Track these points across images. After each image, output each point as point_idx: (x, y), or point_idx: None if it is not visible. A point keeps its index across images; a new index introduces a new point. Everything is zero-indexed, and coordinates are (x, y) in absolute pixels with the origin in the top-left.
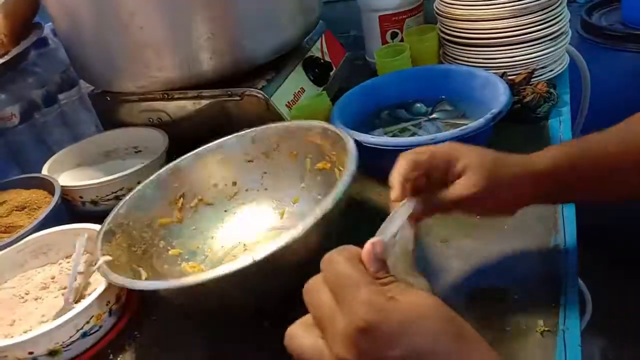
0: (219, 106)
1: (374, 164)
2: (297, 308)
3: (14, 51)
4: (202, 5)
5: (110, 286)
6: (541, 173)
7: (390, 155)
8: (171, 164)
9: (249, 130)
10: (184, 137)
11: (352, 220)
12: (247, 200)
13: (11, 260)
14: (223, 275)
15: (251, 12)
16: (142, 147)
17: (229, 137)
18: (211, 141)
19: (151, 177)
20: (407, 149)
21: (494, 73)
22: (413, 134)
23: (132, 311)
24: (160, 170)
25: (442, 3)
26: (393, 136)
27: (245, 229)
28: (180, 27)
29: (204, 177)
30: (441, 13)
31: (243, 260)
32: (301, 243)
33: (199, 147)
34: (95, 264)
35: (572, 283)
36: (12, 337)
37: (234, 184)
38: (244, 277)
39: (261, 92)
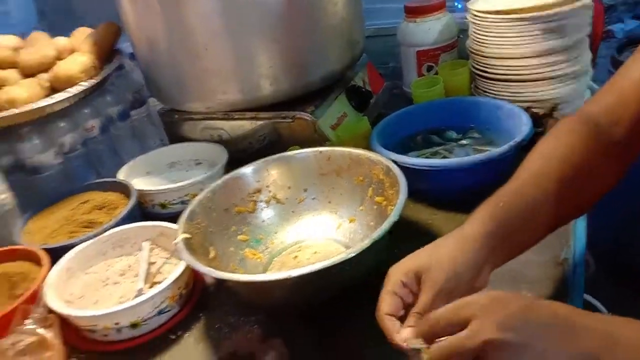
0: (272, 126)
1: (409, 183)
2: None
3: (102, 74)
4: (266, 41)
5: (182, 274)
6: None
7: (423, 175)
8: (258, 161)
9: (328, 148)
10: (240, 152)
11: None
12: (312, 208)
13: (95, 250)
14: (285, 278)
15: (307, 47)
16: (203, 160)
17: (311, 150)
18: (264, 156)
19: (238, 170)
20: (438, 170)
21: (520, 106)
22: (444, 157)
23: (195, 297)
24: (245, 166)
25: (475, 42)
26: (426, 158)
27: (304, 231)
28: (245, 59)
29: (281, 179)
30: (473, 50)
31: (307, 268)
32: (353, 261)
33: (251, 160)
34: (175, 241)
35: (578, 294)
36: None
37: (305, 190)
38: (302, 281)
39: (310, 115)
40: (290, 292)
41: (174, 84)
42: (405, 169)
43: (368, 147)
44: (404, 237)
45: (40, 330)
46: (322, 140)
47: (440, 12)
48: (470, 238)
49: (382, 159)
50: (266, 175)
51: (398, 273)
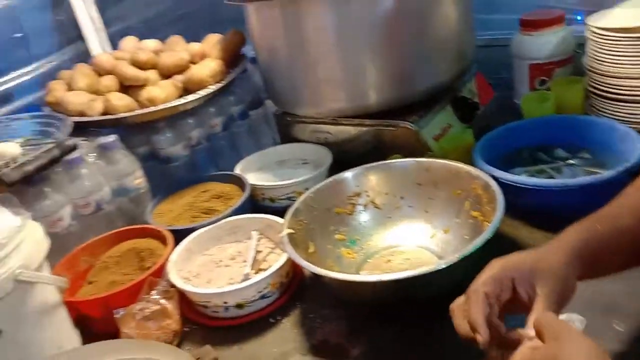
0: (375, 133)
1: (510, 199)
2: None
3: (229, 77)
4: (374, 53)
5: (284, 264)
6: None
7: (526, 192)
8: (358, 167)
9: (428, 160)
10: (343, 154)
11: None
12: (408, 215)
13: (212, 234)
14: (376, 281)
15: (414, 59)
16: (309, 160)
17: (411, 160)
18: (366, 161)
19: (340, 174)
20: (543, 189)
21: (636, 128)
22: (550, 176)
23: (294, 286)
24: (347, 171)
25: (592, 59)
26: (531, 176)
27: (398, 237)
28: (355, 69)
29: (380, 185)
30: (590, 68)
31: (398, 274)
32: (443, 272)
33: (357, 164)
34: (281, 234)
35: None
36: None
37: (402, 198)
38: (392, 285)
39: (414, 125)
40: (380, 294)
41: (289, 90)
42: (507, 185)
43: (470, 160)
44: (498, 253)
45: (163, 301)
46: (423, 150)
47: (559, 26)
48: (569, 247)
49: (482, 174)
50: (366, 180)
51: (501, 270)
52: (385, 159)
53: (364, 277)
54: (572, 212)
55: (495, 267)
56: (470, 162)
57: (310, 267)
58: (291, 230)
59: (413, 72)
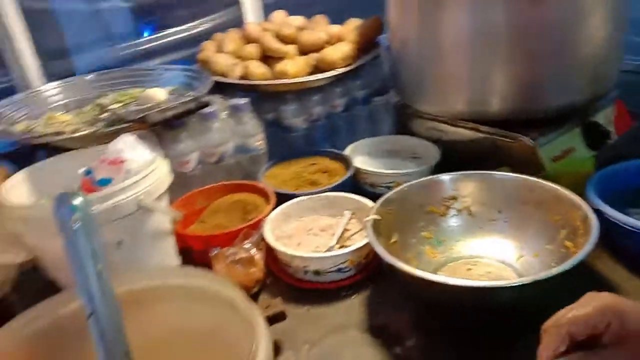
0: (490, 141)
1: (617, 240)
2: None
3: (359, 61)
4: (505, 61)
5: (364, 246)
6: None
7: (633, 236)
8: (459, 172)
9: (534, 180)
10: (453, 156)
11: (573, 282)
12: (500, 230)
13: (310, 204)
14: (458, 286)
15: (547, 73)
16: (419, 155)
17: (518, 176)
18: (474, 166)
19: (439, 175)
20: None
21: None
22: None
23: (371, 268)
24: (447, 174)
25: None
26: None
27: (485, 249)
28: (483, 74)
29: (480, 194)
30: None
31: (473, 282)
32: (515, 291)
33: (464, 167)
34: (366, 217)
35: None
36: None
37: (499, 211)
38: (466, 292)
39: (533, 142)
40: (450, 297)
41: (414, 83)
42: (615, 225)
43: (582, 188)
44: (583, 290)
45: (253, 251)
46: (537, 169)
47: None
48: None
49: (585, 205)
50: (464, 186)
51: (601, 312)
52: (493, 169)
53: (436, 276)
54: None
55: (594, 304)
56: (582, 191)
57: (382, 254)
58: (377, 217)
59: (543, 86)
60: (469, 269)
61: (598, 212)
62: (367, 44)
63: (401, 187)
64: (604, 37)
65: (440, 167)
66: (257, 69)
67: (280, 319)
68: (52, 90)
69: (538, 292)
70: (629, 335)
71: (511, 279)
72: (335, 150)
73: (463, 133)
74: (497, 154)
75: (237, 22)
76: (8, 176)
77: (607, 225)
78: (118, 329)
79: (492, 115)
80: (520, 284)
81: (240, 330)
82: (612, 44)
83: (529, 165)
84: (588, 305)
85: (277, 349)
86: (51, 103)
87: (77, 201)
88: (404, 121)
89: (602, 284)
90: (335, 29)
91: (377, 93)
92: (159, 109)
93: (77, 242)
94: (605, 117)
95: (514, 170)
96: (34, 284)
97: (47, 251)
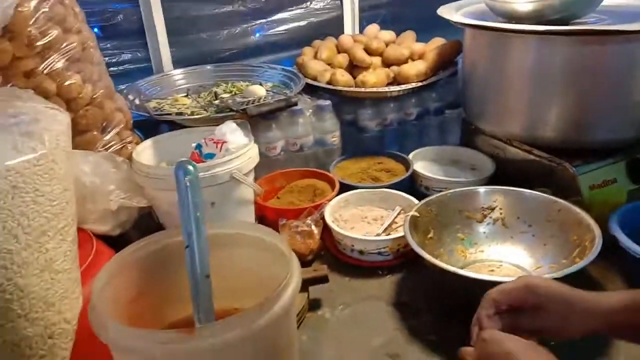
0: (539, 163)
1: (628, 264)
2: None
3: (433, 78)
4: (561, 94)
5: (403, 236)
6: (609, 312)
7: None
8: (498, 187)
9: (562, 202)
10: (507, 171)
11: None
12: (528, 242)
13: (368, 196)
14: (472, 278)
15: (595, 110)
16: (477, 167)
17: (550, 197)
18: (523, 184)
19: (484, 187)
20: None
21: None
22: None
23: (407, 257)
24: (490, 186)
25: None
26: None
27: (510, 256)
28: (539, 103)
29: (516, 208)
30: None
31: (495, 277)
32: None
33: (516, 183)
34: (405, 212)
35: None
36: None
37: (530, 226)
38: (488, 285)
39: (573, 168)
40: (465, 287)
41: (479, 105)
42: (636, 260)
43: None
44: None
45: (312, 227)
46: (573, 194)
47: None
48: (603, 306)
49: (597, 230)
50: (504, 199)
51: (523, 288)
52: (534, 188)
53: (457, 270)
54: None
55: (517, 282)
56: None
57: (413, 245)
58: (416, 214)
59: (591, 122)
60: (492, 271)
61: (614, 240)
62: (444, 63)
63: (444, 192)
64: None
65: (494, 180)
66: (342, 76)
67: (324, 281)
68: (178, 75)
69: None
70: (542, 302)
71: None
72: (400, 153)
73: (517, 153)
74: (544, 175)
75: (337, 32)
76: (139, 141)
77: (621, 253)
78: (204, 258)
79: (544, 141)
80: None
81: (284, 271)
82: None
83: (569, 189)
84: (514, 282)
85: (318, 304)
86: (177, 86)
87: (190, 167)
88: (468, 135)
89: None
90: (418, 46)
91: (449, 106)
92: (258, 103)
93: (186, 195)
94: None
95: (555, 192)
96: (148, 225)
97: (160, 201)
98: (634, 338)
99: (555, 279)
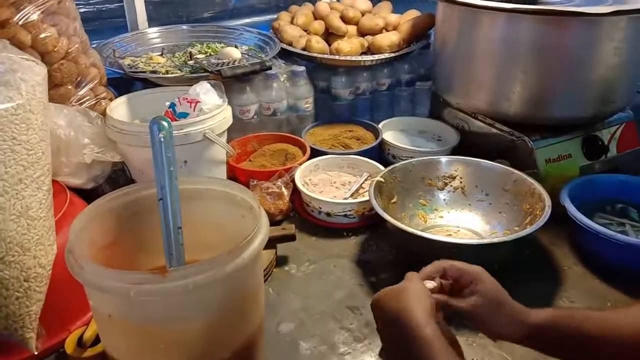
0: (500, 137)
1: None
2: None
3: (405, 50)
4: (523, 72)
5: (368, 201)
6: (529, 326)
7: (594, 239)
8: (459, 157)
9: (519, 173)
10: (472, 143)
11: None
12: (484, 209)
13: (338, 162)
14: (430, 239)
15: (555, 89)
16: (443, 138)
17: (507, 168)
18: (485, 155)
19: (446, 157)
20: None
21: None
22: (624, 232)
23: (371, 220)
24: (452, 156)
25: None
26: (608, 223)
27: (467, 222)
28: (503, 80)
29: (475, 177)
30: None
31: (449, 239)
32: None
33: (477, 154)
34: (372, 178)
35: None
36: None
37: (487, 195)
38: (445, 245)
39: (532, 142)
40: (423, 248)
41: (447, 78)
42: (574, 222)
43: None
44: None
45: (282, 188)
46: (530, 166)
47: None
48: (532, 315)
49: (547, 199)
50: (464, 169)
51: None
52: (495, 159)
53: (419, 232)
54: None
55: (471, 266)
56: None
57: (377, 209)
58: (381, 179)
59: (551, 99)
60: (449, 235)
61: (565, 210)
62: (417, 35)
63: (409, 160)
64: (616, 65)
65: (458, 152)
66: (317, 43)
67: (292, 239)
68: (153, 34)
69: (489, 254)
70: (479, 290)
71: None
72: (370, 122)
73: (481, 126)
74: (505, 148)
75: None
76: (113, 98)
77: (570, 222)
78: (176, 211)
79: (507, 116)
80: (474, 243)
81: (253, 225)
82: (625, 71)
83: (526, 163)
84: (469, 265)
85: (285, 260)
86: (152, 45)
87: (165, 123)
88: (436, 107)
89: (550, 262)
90: (393, 17)
91: (421, 79)
92: (232, 65)
93: (159, 149)
94: (609, 134)
95: (514, 164)
96: (120, 179)
97: (132, 157)
98: (548, 352)
99: (508, 241)
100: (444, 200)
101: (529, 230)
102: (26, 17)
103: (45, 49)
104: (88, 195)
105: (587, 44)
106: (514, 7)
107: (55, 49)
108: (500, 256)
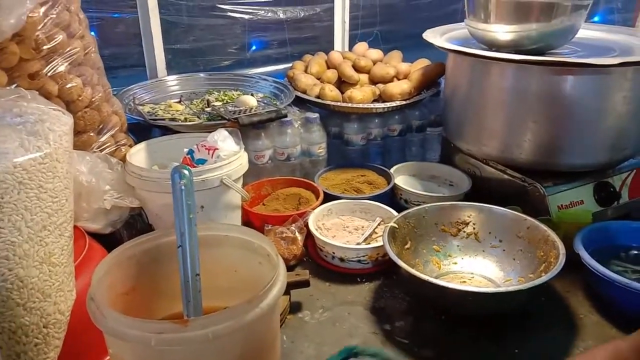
0: (512, 183)
1: (592, 283)
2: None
3: (415, 98)
4: (533, 121)
5: (381, 246)
6: None
7: (599, 282)
8: (473, 203)
9: (532, 220)
10: (483, 189)
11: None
12: (498, 255)
13: (351, 206)
14: (440, 285)
15: (564, 137)
16: (455, 183)
17: (520, 215)
18: (497, 200)
19: (459, 202)
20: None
21: None
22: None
23: (385, 266)
24: (465, 202)
25: None
26: (623, 271)
27: (481, 269)
28: (513, 128)
29: (488, 224)
30: None
31: (460, 286)
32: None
33: (490, 200)
34: (385, 224)
35: None
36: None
37: (500, 241)
38: (459, 294)
39: (543, 189)
40: (439, 296)
41: (458, 125)
42: (597, 276)
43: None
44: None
45: (296, 233)
46: (543, 213)
47: None
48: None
49: (562, 247)
50: (477, 215)
51: None
52: (507, 205)
53: (433, 279)
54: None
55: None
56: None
57: (391, 255)
58: (395, 225)
59: (561, 147)
60: (463, 281)
61: (579, 257)
62: (428, 83)
63: (422, 206)
64: (625, 113)
65: (470, 197)
66: (330, 92)
67: (306, 285)
68: (172, 81)
69: (503, 302)
70: None
71: None
72: (382, 167)
73: (492, 172)
74: (517, 194)
75: (327, 48)
76: (132, 144)
77: (584, 269)
78: (194, 258)
79: (518, 162)
80: (490, 292)
81: (271, 273)
82: (635, 118)
83: (540, 208)
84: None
85: (298, 306)
86: (170, 92)
87: (186, 171)
88: (447, 153)
89: (565, 310)
90: (404, 66)
91: (431, 125)
92: (249, 113)
93: (180, 197)
94: (621, 181)
95: (526, 210)
96: (138, 225)
97: (151, 203)
98: None
99: (521, 290)
100: (458, 246)
101: (544, 278)
102: (55, 69)
103: (70, 98)
104: (105, 239)
105: (596, 93)
106: (524, 58)
107: (80, 98)
108: (514, 304)
